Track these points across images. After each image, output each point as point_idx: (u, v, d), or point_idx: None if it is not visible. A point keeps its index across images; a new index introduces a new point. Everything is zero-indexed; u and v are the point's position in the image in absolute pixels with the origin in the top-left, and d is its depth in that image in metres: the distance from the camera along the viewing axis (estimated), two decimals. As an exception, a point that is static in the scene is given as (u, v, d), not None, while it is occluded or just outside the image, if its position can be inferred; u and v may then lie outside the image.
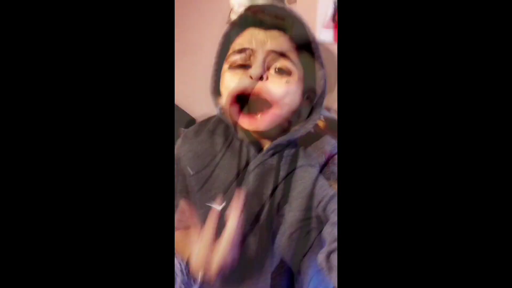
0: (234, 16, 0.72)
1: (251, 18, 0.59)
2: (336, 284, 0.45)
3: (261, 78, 0.56)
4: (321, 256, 0.50)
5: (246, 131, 0.61)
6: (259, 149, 0.63)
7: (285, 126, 0.63)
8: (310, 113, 0.61)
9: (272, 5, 0.58)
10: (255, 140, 0.64)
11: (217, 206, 0.58)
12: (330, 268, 0.47)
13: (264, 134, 0.63)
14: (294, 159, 0.61)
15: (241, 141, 0.63)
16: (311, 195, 0.58)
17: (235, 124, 0.61)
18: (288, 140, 0.60)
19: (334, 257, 0.46)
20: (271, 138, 0.62)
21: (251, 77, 0.56)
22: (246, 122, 0.58)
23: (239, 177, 0.61)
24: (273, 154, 0.61)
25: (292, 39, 0.57)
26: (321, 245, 0.57)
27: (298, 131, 0.60)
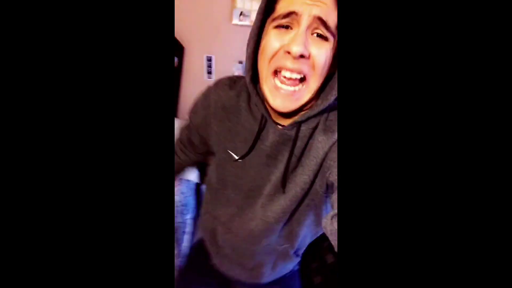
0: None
1: None
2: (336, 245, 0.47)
3: (302, 56, 0.53)
4: (325, 220, 0.52)
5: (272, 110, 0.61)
6: (279, 124, 0.64)
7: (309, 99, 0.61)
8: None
9: None
10: (276, 116, 0.64)
11: (234, 156, 0.67)
12: (331, 232, 0.50)
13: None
14: (312, 131, 0.61)
15: (262, 115, 0.64)
16: (321, 165, 0.60)
17: (263, 102, 0.61)
18: (308, 116, 0.59)
19: (336, 221, 0.49)
20: (293, 114, 0.61)
21: (288, 53, 0.53)
22: (279, 102, 0.56)
23: (257, 141, 0.65)
24: (293, 128, 0.61)
25: (336, 6, 0.53)
26: (320, 211, 0.65)
27: (319, 105, 0.58)
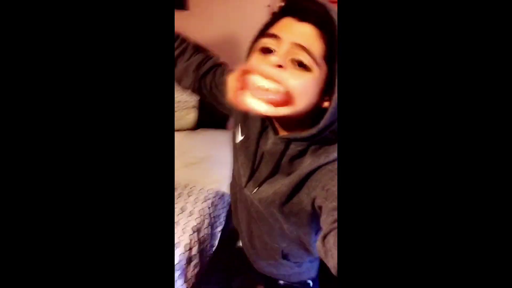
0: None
1: (292, 7, 0.58)
2: (335, 266, 0.46)
3: (279, 66, 0.55)
4: (317, 243, 0.52)
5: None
6: (276, 132, 0.68)
7: (300, 122, 0.62)
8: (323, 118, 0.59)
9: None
10: (274, 125, 0.68)
11: (239, 137, 0.74)
12: (326, 252, 0.49)
13: (281, 123, 0.66)
14: (299, 153, 0.63)
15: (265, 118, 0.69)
16: (303, 181, 0.62)
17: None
18: (296, 137, 0.62)
19: (328, 239, 0.49)
20: (287, 128, 0.65)
21: (270, 63, 0.55)
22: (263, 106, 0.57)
23: (260, 140, 0.70)
24: (282, 142, 0.64)
25: (324, 38, 0.55)
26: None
27: (310, 132, 0.59)
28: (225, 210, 1.44)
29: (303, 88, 0.55)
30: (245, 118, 0.74)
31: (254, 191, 0.71)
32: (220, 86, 0.76)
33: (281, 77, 0.54)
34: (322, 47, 0.54)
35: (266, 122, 0.69)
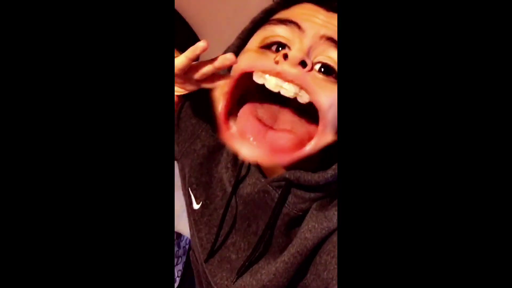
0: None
1: None
2: None
3: (302, 64, 0.35)
4: None
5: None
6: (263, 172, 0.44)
7: (310, 159, 0.39)
8: None
9: None
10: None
11: (194, 204, 0.47)
12: None
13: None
14: (302, 214, 0.40)
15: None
16: (308, 255, 0.39)
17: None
18: (300, 180, 0.38)
19: None
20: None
21: (284, 57, 0.35)
22: (262, 152, 0.36)
23: (235, 190, 0.44)
24: (279, 187, 0.40)
25: None
26: None
27: (322, 177, 0.38)
28: (181, 261, 1.31)
29: (331, 108, 0.35)
30: (201, 170, 0.47)
31: (232, 283, 0.43)
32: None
33: (307, 82, 0.35)
34: None
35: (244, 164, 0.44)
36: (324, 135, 0.36)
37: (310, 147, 0.36)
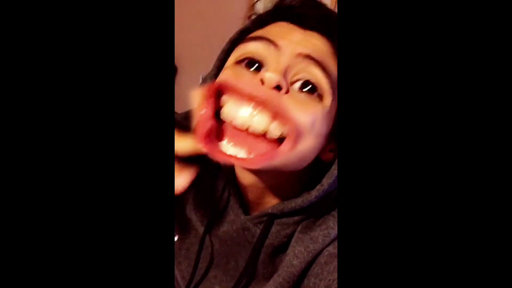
0: (260, 7, 0.51)
1: (285, 11, 0.40)
2: None
3: (277, 87, 0.35)
4: None
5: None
6: (245, 204, 0.43)
7: (292, 182, 0.41)
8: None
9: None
10: (244, 186, 0.42)
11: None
12: None
13: (254, 187, 0.41)
14: (287, 241, 0.40)
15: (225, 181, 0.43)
16: (303, 275, 0.39)
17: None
18: (284, 211, 0.39)
19: None
20: (263, 196, 0.41)
21: (261, 82, 0.35)
22: (230, 149, 0.36)
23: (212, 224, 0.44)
24: (260, 222, 0.40)
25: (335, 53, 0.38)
26: None
27: (306, 199, 0.38)
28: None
29: (311, 126, 0.35)
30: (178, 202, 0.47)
31: None
32: None
33: (281, 106, 0.34)
34: (336, 69, 0.37)
35: (224, 195, 0.44)
36: (300, 151, 0.36)
37: (287, 159, 0.36)
